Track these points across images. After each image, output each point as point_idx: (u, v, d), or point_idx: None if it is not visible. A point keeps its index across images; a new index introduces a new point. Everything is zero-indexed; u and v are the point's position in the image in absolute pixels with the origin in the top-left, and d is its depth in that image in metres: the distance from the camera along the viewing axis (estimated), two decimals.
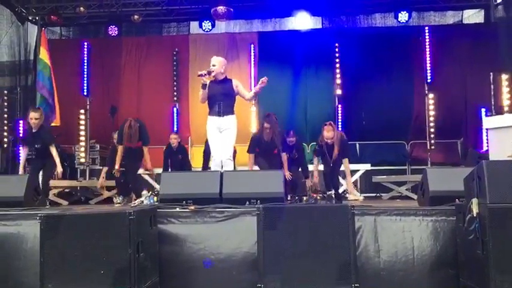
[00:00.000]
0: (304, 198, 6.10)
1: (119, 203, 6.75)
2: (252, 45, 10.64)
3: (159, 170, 7.11)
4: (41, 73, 7.94)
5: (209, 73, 5.37)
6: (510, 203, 3.00)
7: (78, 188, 9.20)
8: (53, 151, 6.19)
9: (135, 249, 3.25)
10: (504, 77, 8.71)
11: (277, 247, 3.34)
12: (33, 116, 6.10)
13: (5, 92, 10.04)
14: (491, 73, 8.75)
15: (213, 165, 5.47)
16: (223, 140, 5.43)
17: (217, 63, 5.50)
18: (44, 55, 8.01)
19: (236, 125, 5.53)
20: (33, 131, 6.19)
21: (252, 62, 10.57)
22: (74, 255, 3.24)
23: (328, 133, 6.54)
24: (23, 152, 6.48)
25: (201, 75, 5.35)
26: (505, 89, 8.64)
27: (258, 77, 10.43)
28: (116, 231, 3.26)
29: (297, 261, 3.31)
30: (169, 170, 7.56)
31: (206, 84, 5.37)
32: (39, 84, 7.95)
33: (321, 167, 6.84)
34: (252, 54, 10.59)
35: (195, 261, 3.84)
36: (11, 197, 4.77)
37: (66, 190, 8.78)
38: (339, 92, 9.14)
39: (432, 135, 9.28)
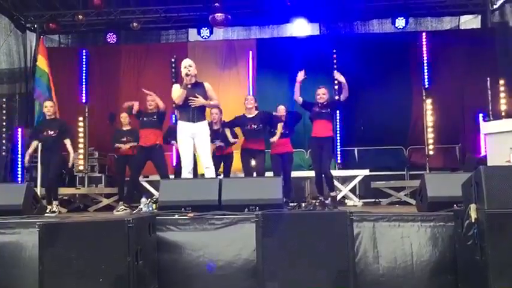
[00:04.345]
0: (303, 204, 6.11)
1: (119, 211, 6.79)
2: (250, 52, 10.64)
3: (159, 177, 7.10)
4: (38, 81, 7.83)
5: (188, 75, 5.39)
6: (508, 209, 3.01)
7: (77, 195, 9.19)
8: (68, 143, 6.58)
9: (134, 257, 3.25)
10: (501, 82, 8.74)
11: (276, 254, 3.34)
12: (48, 104, 6.59)
13: (4, 99, 10.03)
14: (488, 78, 8.77)
15: (185, 172, 5.41)
16: (199, 148, 5.42)
17: (192, 64, 5.50)
18: (41, 63, 7.88)
19: (209, 131, 5.53)
20: (47, 118, 6.58)
21: (250, 69, 10.58)
22: (73, 263, 3.23)
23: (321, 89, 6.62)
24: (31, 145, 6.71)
25: (187, 75, 5.36)
26: (502, 94, 8.67)
27: (256, 83, 10.45)
28: (115, 239, 3.26)
29: (296, 268, 3.31)
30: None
31: (188, 85, 5.37)
32: (36, 92, 7.82)
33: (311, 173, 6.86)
34: (250, 60, 10.59)
35: (194, 268, 3.83)
36: (10, 205, 4.75)
37: (65, 198, 8.77)
38: (336, 98, 9.14)
39: (430, 141, 9.29)
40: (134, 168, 6.87)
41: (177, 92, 5.45)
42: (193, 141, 5.44)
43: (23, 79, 10.95)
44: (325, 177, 6.64)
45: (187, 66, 5.47)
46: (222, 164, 7.07)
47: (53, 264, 3.25)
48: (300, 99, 6.51)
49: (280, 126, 6.89)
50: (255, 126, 6.66)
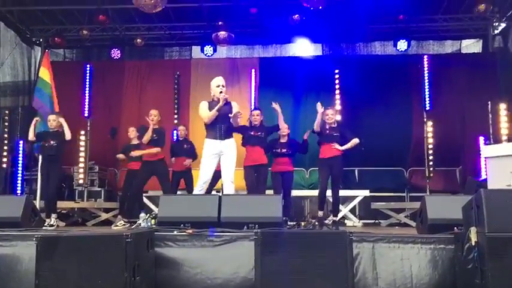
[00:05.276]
0: (303, 223, 6.08)
1: (118, 226, 6.77)
2: (253, 70, 10.72)
3: (158, 193, 7.09)
4: (40, 91, 7.82)
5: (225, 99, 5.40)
6: (509, 232, 3.00)
7: (76, 209, 9.15)
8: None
9: (131, 273, 3.23)
10: (502, 106, 8.77)
11: (274, 272, 3.31)
12: (51, 118, 6.79)
13: (6, 112, 10.07)
14: (489, 102, 8.80)
15: (197, 190, 5.39)
16: (226, 163, 5.41)
17: (224, 84, 5.50)
18: (44, 74, 7.88)
19: (236, 148, 5.54)
20: (50, 130, 6.73)
21: (253, 87, 10.64)
22: (70, 278, 3.21)
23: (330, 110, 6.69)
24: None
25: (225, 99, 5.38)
26: (503, 118, 8.69)
27: (258, 102, 10.49)
28: (112, 254, 3.24)
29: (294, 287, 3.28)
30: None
31: (220, 107, 5.37)
32: (37, 103, 7.79)
33: (314, 192, 6.81)
34: (253, 79, 10.67)
35: (192, 285, 3.80)
36: (8, 217, 4.74)
37: (64, 211, 8.74)
38: (338, 118, 9.18)
39: (431, 163, 9.28)
40: (137, 183, 6.85)
41: (207, 112, 5.43)
42: (218, 160, 5.44)
43: (26, 92, 11.00)
44: (333, 198, 6.62)
45: (220, 85, 5.45)
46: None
47: (50, 278, 3.22)
48: (318, 129, 6.60)
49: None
50: (259, 134, 6.66)
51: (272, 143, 6.91)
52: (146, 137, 6.61)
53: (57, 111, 7.23)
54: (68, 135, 6.60)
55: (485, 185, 5.86)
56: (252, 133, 6.60)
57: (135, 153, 6.88)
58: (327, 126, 6.63)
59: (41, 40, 11.38)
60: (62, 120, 6.69)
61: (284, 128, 6.91)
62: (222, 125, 5.42)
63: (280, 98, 10.51)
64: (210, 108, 5.42)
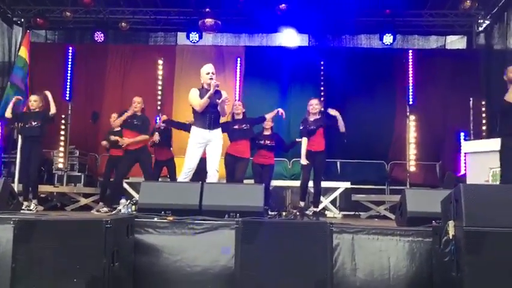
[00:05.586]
0: (284, 213, 6.11)
1: (98, 211, 6.72)
2: (239, 59, 10.66)
3: (139, 179, 7.04)
4: (20, 70, 7.72)
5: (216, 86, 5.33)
6: (486, 227, 3.04)
7: (55, 193, 9.04)
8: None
9: (110, 259, 3.20)
10: (483, 102, 8.90)
11: (254, 262, 3.32)
12: (32, 99, 6.68)
13: None
14: (471, 98, 8.92)
15: (182, 178, 5.37)
16: (212, 152, 5.38)
17: (214, 71, 5.43)
18: (23, 53, 7.80)
19: (222, 138, 5.51)
20: (31, 111, 6.64)
21: (238, 76, 10.58)
22: (47, 262, 3.16)
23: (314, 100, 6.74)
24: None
25: (216, 86, 5.31)
26: (483, 115, 8.82)
27: (243, 91, 10.45)
28: (92, 239, 3.20)
29: (274, 277, 3.29)
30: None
31: (212, 93, 5.29)
32: (15, 78, 7.68)
33: (296, 183, 6.84)
34: (238, 67, 10.61)
35: (171, 272, 3.79)
36: None
37: (42, 195, 8.61)
38: (322, 109, 9.20)
39: (412, 157, 9.39)
40: (121, 171, 6.78)
41: (198, 100, 5.32)
42: (204, 149, 5.40)
43: (6, 73, 10.76)
44: (315, 190, 6.66)
45: (210, 73, 5.36)
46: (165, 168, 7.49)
47: (27, 262, 3.17)
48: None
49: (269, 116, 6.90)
50: (243, 126, 6.63)
51: (255, 134, 6.92)
52: (118, 122, 6.57)
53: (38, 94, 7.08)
54: (53, 109, 6.51)
55: (464, 180, 5.97)
56: (236, 127, 6.58)
57: (122, 140, 6.72)
58: (312, 118, 6.63)
59: (22, 20, 11.14)
60: (47, 93, 6.56)
61: (269, 121, 6.92)
62: (212, 115, 5.36)
63: (266, 87, 10.59)
64: (201, 96, 5.35)
